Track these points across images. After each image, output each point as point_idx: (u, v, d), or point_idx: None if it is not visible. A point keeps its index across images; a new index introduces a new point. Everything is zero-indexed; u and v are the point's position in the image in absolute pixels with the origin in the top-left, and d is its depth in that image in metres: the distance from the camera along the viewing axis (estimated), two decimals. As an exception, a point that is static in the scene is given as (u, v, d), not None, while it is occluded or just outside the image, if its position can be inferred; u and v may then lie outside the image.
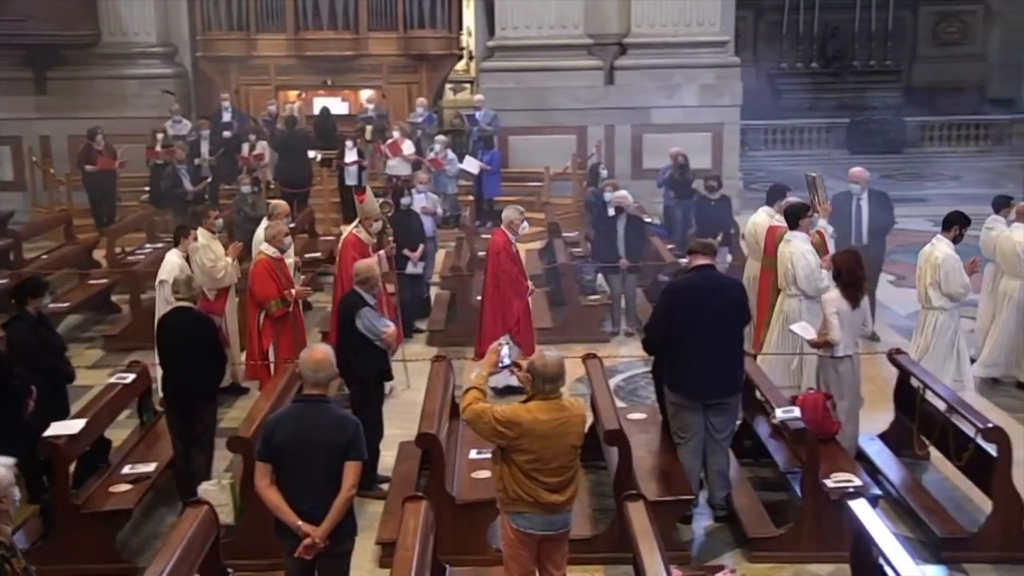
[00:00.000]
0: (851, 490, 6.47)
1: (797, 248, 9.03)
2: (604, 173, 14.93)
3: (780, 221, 9.78)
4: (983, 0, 27.62)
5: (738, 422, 7.68)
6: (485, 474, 6.74)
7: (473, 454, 7.38)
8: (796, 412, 7.15)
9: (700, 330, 6.94)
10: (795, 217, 9.21)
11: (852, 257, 8.08)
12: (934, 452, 7.89)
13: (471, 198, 16.68)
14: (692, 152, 15.24)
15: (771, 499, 7.44)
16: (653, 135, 17.92)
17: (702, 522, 7.26)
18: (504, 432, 5.33)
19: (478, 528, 6.70)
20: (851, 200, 11.14)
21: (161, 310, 9.36)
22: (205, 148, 16.25)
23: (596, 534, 6.82)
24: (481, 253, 13.68)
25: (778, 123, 24.79)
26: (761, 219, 10.39)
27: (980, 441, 6.94)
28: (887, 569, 5.26)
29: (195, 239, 9.67)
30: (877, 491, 6.91)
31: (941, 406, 7.52)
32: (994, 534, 6.68)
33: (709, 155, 17.89)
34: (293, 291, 9.28)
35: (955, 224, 8.92)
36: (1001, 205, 10.29)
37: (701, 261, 7.15)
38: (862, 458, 7.74)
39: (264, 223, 10.32)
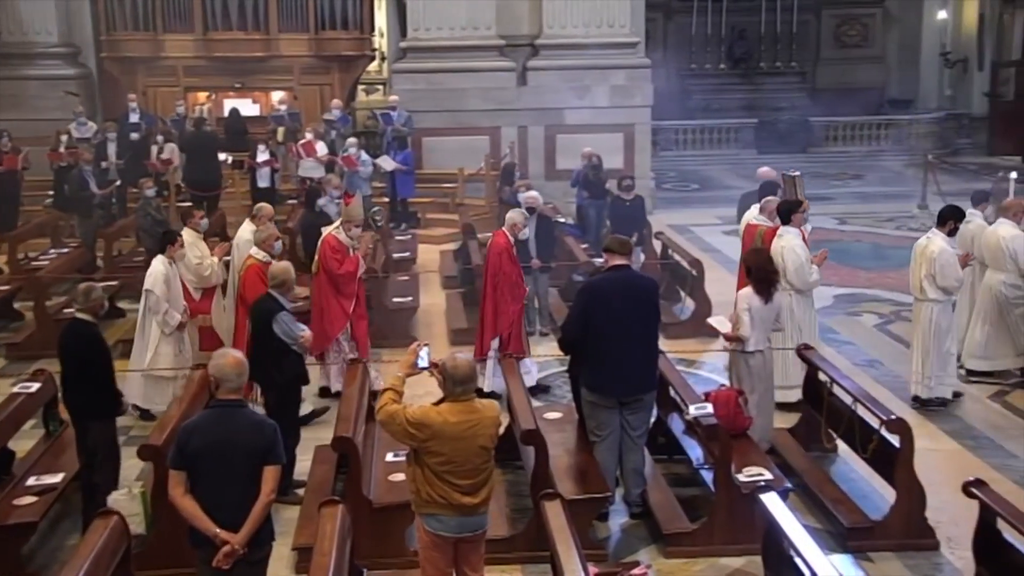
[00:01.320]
0: (762, 484, 6.58)
1: (788, 243, 9.14)
2: (517, 175, 15.00)
3: (760, 219, 10.00)
4: (882, 4, 28.41)
5: (652, 419, 7.78)
6: (402, 476, 6.68)
7: (390, 457, 7.35)
8: (709, 408, 7.25)
9: (616, 329, 7.00)
10: (788, 213, 9.36)
11: (762, 254, 8.27)
12: (841, 445, 8.09)
13: (386, 199, 16.60)
14: (604, 152, 15.40)
15: (685, 494, 7.54)
16: (566, 136, 18.06)
17: (618, 519, 7.32)
18: (415, 434, 5.33)
19: (395, 531, 6.68)
20: (760, 199, 11.34)
21: (145, 321, 9.23)
22: (112, 150, 15.89)
23: (514, 534, 6.85)
24: (397, 255, 13.68)
25: (688, 123, 25.20)
26: (753, 216, 10.45)
27: (884, 433, 7.14)
28: (797, 560, 5.38)
29: (181, 245, 9.41)
30: (787, 484, 7.03)
31: (847, 400, 7.71)
32: (897, 522, 6.86)
33: (621, 155, 18.09)
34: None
35: (950, 219, 9.19)
36: (979, 200, 10.58)
37: (618, 261, 7.22)
38: (773, 451, 7.91)
39: (248, 224, 10.19)
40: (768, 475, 6.85)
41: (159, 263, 9.26)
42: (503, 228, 9.83)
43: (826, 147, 24.83)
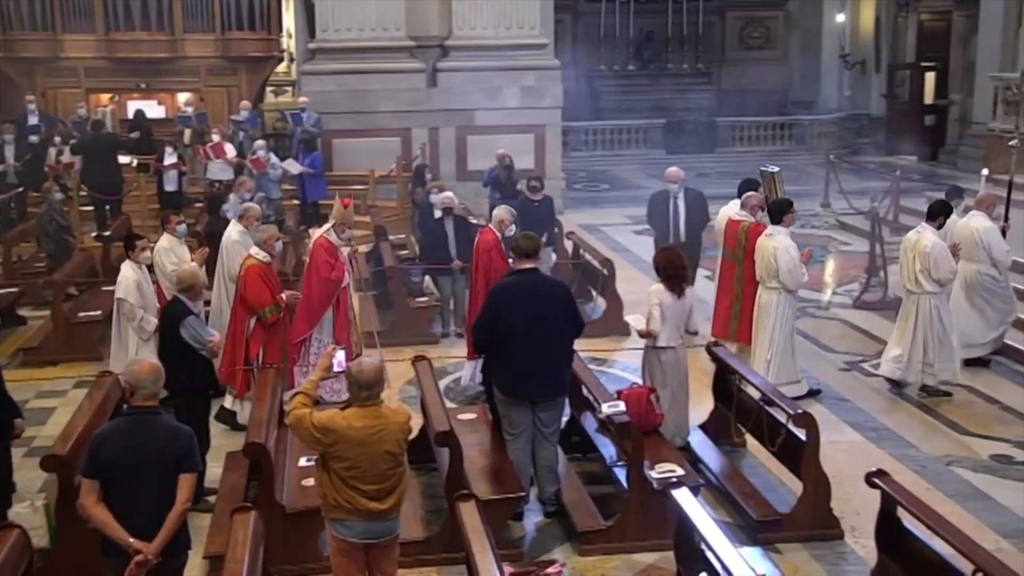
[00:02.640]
0: (674, 480, 6.70)
1: (781, 243, 9.27)
2: (429, 176, 14.97)
3: (741, 215, 10.11)
4: (784, 7, 29.01)
5: (565, 418, 7.83)
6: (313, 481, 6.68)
7: (303, 461, 7.28)
8: (621, 406, 7.34)
9: (524, 331, 7.03)
10: (779, 213, 9.50)
11: (670, 251, 8.40)
12: (750, 439, 8.25)
13: (295, 202, 16.43)
14: (515, 153, 15.44)
15: (599, 492, 7.61)
16: (477, 137, 18.07)
17: (533, 518, 7.37)
18: (320, 438, 5.30)
19: (309, 536, 6.62)
20: (668, 199, 11.54)
21: (120, 329, 9.04)
22: (10, 153, 15.44)
23: (428, 536, 6.84)
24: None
25: (598, 124, 25.42)
26: (731, 211, 10.56)
27: (791, 427, 7.31)
28: (708, 554, 5.48)
29: (143, 249, 9.19)
30: (698, 480, 7.16)
31: (756, 395, 7.87)
32: (804, 514, 7.03)
33: (532, 156, 18.17)
34: (283, 296, 9.11)
35: (939, 214, 9.48)
36: (953, 196, 10.97)
37: (525, 264, 7.24)
38: (685, 448, 8.03)
39: (235, 226, 9.99)
40: (680, 471, 6.96)
41: (128, 269, 9.07)
42: (490, 225, 9.92)
43: (733, 147, 25.26)
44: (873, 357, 10.66)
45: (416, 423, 6.54)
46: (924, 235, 9.41)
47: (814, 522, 7.03)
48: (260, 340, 8.97)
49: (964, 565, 5.26)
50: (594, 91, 27.27)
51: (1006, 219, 11.02)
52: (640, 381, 8.33)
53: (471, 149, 18.16)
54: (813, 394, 9.54)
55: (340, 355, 5.66)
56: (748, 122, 25.61)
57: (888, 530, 6.11)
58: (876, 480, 6.11)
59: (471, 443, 7.52)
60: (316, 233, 9.72)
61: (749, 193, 10.38)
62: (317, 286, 9.42)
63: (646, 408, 7.52)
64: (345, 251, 9.66)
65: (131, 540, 5.04)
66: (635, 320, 8.36)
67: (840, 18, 27.96)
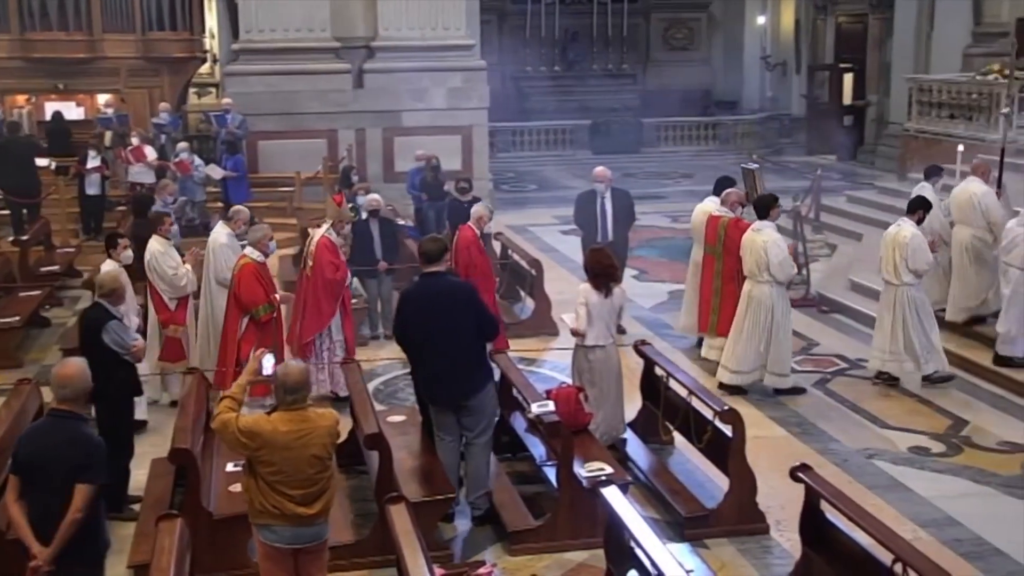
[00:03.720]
0: (603, 478, 6.75)
1: (770, 237, 9.49)
2: (355, 178, 14.90)
3: (721, 211, 10.29)
4: (707, 8, 29.39)
5: (492, 422, 7.75)
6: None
7: (230, 467, 7.19)
8: (550, 406, 7.38)
9: (431, 336, 7.04)
10: (766, 208, 9.70)
11: (599, 251, 8.48)
12: (678, 436, 8.35)
13: (220, 204, 16.23)
14: (442, 154, 15.47)
15: (529, 492, 7.64)
16: (404, 138, 18.02)
17: (464, 519, 7.38)
18: (246, 443, 5.25)
19: (237, 543, 6.54)
20: (595, 198, 11.63)
21: None
22: (-77, 156, 15.02)
23: (358, 539, 6.81)
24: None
25: (525, 125, 25.51)
26: (710, 208, 10.68)
27: (717, 423, 7.42)
28: (637, 551, 5.54)
29: (124, 247, 9.01)
30: (627, 478, 7.23)
31: (683, 393, 7.97)
32: (731, 509, 7.14)
33: (459, 157, 18.18)
34: (277, 296, 9.08)
35: (919, 209, 9.77)
36: (931, 173, 11.51)
37: (430, 268, 7.19)
38: (614, 446, 8.10)
39: (222, 227, 9.90)
40: (609, 469, 7.01)
41: (110, 266, 8.82)
42: (468, 222, 9.91)
43: (658, 147, 25.53)
44: (796, 353, 10.87)
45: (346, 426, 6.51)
46: (904, 227, 9.67)
47: (740, 517, 7.14)
48: (253, 340, 8.97)
49: (884, 555, 5.39)
50: (521, 92, 27.35)
51: (999, 185, 11.35)
52: (569, 380, 8.38)
53: (398, 150, 18.10)
54: (798, 391, 9.67)
55: (269, 359, 5.62)
56: (673, 122, 25.89)
57: (812, 523, 6.23)
58: (800, 474, 6.22)
59: (400, 445, 7.49)
60: (316, 234, 9.71)
61: (729, 190, 10.61)
62: (323, 286, 9.41)
63: (575, 407, 7.56)
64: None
65: (32, 543, 4.98)
66: (569, 319, 8.42)
67: (761, 20, 28.46)
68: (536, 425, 7.63)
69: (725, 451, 7.28)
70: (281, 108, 17.67)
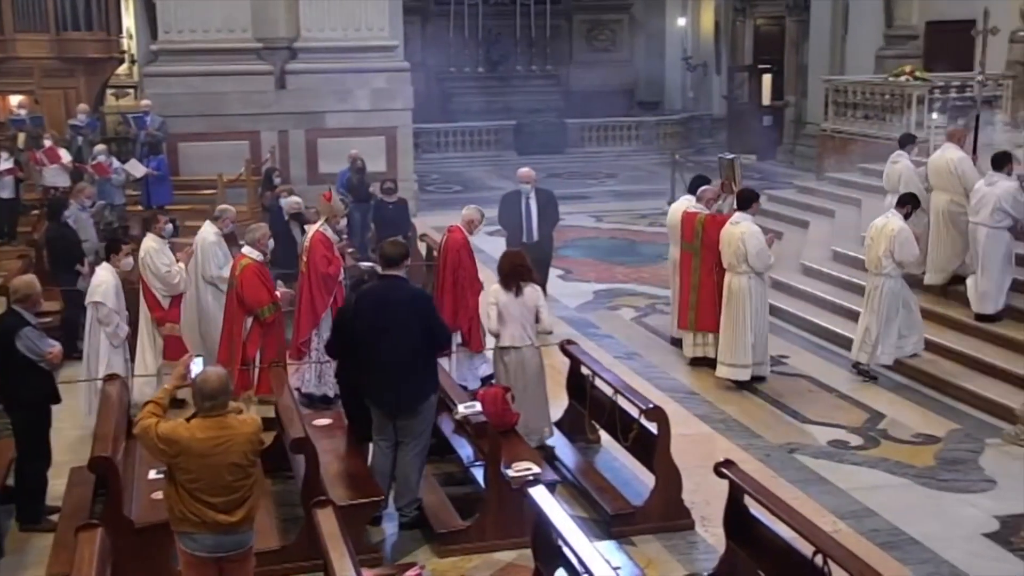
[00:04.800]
0: (531, 478, 6.78)
1: (748, 228, 9.70)
2: (278, 180, 14.75)
3: (697, 207, 10.49)
4: (628, 10, 29.66)
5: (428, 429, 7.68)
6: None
7: (152, 474, 7.05)
8: (477, 407, 7.40)
9: (382, 340, 7.00)
10: (747, 201, 9.94)
11: (512, 252, 8.55)
12: (604, 435, 8.43)
13: (139, 208, 15.93)
14: (367, 156, 15.37)
15: (458, 493, 7.66)
16: (328, 139, 17.87)
17: (393, 522, 7.35)
18: (164, 449, 5.18)
19: (160, 551, 6.42)
20: (520, 199, 11.68)
21: (93, 333, 8.70)
22: None
23: (285, 544, 6.74)
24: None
25: (449, 126, 25.50)
26: (684, 207, 10.82)
27: (643, 421, 7.50)
28: (565, 549, 5.59)
29: (126, 255, 8.93)
30: (554, 477, 7.26)
31: (609, 391, 8.04)
32: (657, 506, 7.23)
33: (384, 158, 18.09)
34: (279, 293, 9.05)
35: (908, 203, 10.02)
36: (906, 142, 12.11)
37: (389, 271, 7.19)
38: (542, 446, 8.14)
39: (209, 226, 9.85)
40: (536, 469, 7.03)
41: (106, 273, 8.77)
42: (459, 224, 9.96)
43: (582, 147, 25.68)
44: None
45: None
46: (892, 220, 9.91)
47: (666, 513, 7.23)
48: (258, 340, 9.01)
49: (806, 547, 5.50)
50: (445, 93, 27.32)
51: (974, 152, 11.75)
52: (496, 381, 8.40)
53: (322, 152, 17.94)
54: (757, 380, 9.99)
55: (197, 362, 5.56)
56: (596, 123, 26.09)
57: (736, 518, 6.32)
58: (724, 470, 6.32)
59: (327, 448, 7.45)
60: (311, 230, 9.74)
61: (704, 187, 10.80)
62: (316, 280, 9.37)
63: (502, 407, 7.56)
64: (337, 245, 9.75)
65: None
66: (486, 320, 8.45)
67: (682, 22, 28.81)
68: (463, 426, 7.63)
69: (651, 449, 7.36)
70: (202, 110, 17.39)
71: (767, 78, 24.37)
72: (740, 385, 9.89)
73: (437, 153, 24.69)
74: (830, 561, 5.24)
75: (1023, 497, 7.67)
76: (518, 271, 8.05)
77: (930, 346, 10.22)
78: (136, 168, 15.41)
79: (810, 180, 17.77)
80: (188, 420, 5.28)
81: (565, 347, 8.79)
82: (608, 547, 6.64)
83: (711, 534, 7.03)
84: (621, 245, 16.43)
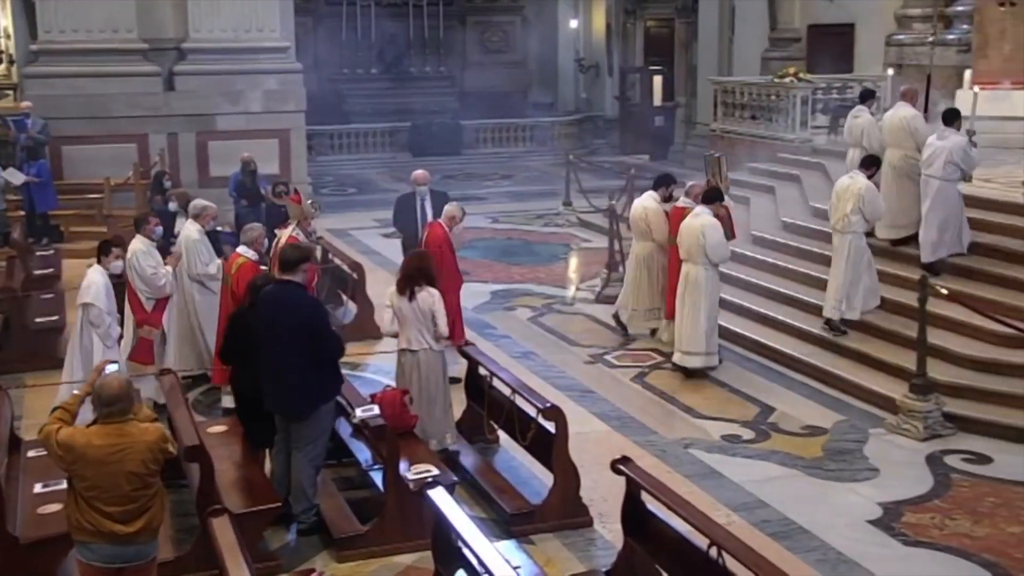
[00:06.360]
0: (430, 480, 6.79)
1: (707, 220, 10.00)
2: (168, 183, 14.44)
3: (686, 202, 10.71)
4: (521, 12, 29.83)
5: (325, 437, 7.51)
6: (54, 508, 6.35)
7: (39, 488, 6.88)
8: (375, 410, 7.38)
9: (269, 345, 6.98)
10: (711, 200, 10.25)
11: (413, 254, 8.54)
12: (503, 435, 8.48)
13: (22, 213, 15.43)
14: (260, 158, 15.17)
15: (356, 497, 7.62)
16: (219, 142, 17.60)
17: (292, 528, 7.28)
18: (62, 456, 5.08)
19: (48, 566, 6.26)
20: (415, 201, 11.66)
21: (84, 335, 8.57)
22: None
23: (180, 555, 6.62)
24: (38, 272, 12.76)
25: (343, 128, 25.30)
26: (649, 203, 11.19)
27: (541, 420, 7.57)
28: (465, 550, 5.61)
29: (116, 257, 8.81)
30: (453, 478, 7.28)
31: (506, 391, 8.09)
32: (555, 505, 7.29)
33: (277, 161, 17.88)
34: None
35: (872, 166, 10.52)
36: (867, 96, 12.64)
37: (284, 275, 7.13)
38: (444, 449, 8.13)
39: (192, 224, 9.80)
40: (435, 471, 7.05)
41: (97, 274, 8.65)
42: (439, 220, 9.95)
43: (477, 149, 25.74)
44: (615, 348, 11.22)
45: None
46: (857, 180, 10.26)
47: (565, 511, 7.30)
48: None
49: (701, 540, 5.62)
50: (339, 94, 27.07)
51: (925, 110, 12.24)
52: (394, 383, 8.38)
53: (213, 155, 17.64)
54: (709, 369, 10.35)
55: (111, 369, 5.46)
56: (491, 124, 26.17)
57: (633, 514, 6.42)
58: (620, 467, 6.41)
59: (222, 456, 7.33)
60: (283, 234, 9.68)
61: (692, 183, 11.26)
62: None
63: (400, 410, 7.54)
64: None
65: None
66: (387, 322, 8.42)
67: (574, 23, 29.13)
68: (361, 429, 7.60)
69: (549, 448, 7.43)
70: (87, 111, 16.93)
71: (658, 79, 24.74)
72: (688, 374, 10.23)
73: (331, 155, 24.49)
74: (724, 553, 5.36)
75: (904, 484, 7.97)
76: (414, 275, 8.03)
77: (817, 340, 10.55)
78: (15, 176, 14.96)
79: (700, 179, 18.06)
80: (89, 426, 5.17)
81: (462, 348, 8.82)
82: (508, 547, 6.70)
83: (609, 530, 7.13)
84: (517, 246, 16.52)
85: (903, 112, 11.43)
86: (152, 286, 9.29)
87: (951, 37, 17.26)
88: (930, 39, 16.77)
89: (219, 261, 9.73)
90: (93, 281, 8.76)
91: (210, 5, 17.74)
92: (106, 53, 17.17)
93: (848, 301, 10.31)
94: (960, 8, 17.41)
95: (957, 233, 10.62)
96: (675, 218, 10.74)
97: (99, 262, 8.91)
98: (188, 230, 10.00)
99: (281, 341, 6.95)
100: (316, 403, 7.11)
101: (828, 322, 10.53)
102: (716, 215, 10.13)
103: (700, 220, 10.07)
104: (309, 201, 11.00)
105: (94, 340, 8.75)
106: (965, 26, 16.80)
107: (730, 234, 10.46)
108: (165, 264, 9.43)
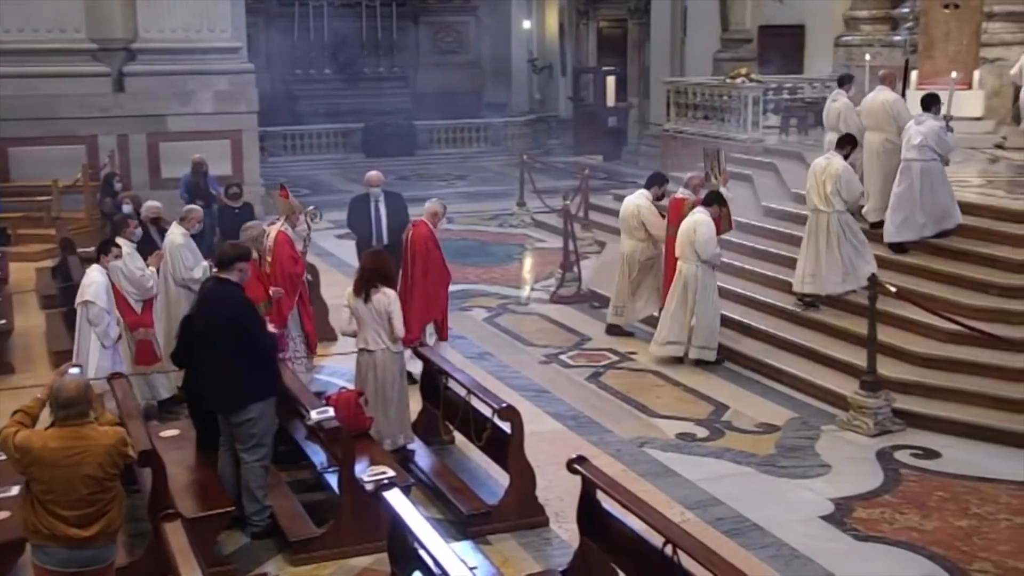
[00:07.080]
0: (385, 481, 6.77)
1: (702, 219, 10.26)
2: (119, 185, 14.29)
3: (685, 194, 10.97)
4: (474, 13, 29.84)
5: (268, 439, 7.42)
6: (4, 515, 6.26)
7: (-9, 493, 6.79)
8: (330, 412, 7.34)
9: (204, 344, 7.00)
10: (710, 203, 10.46)
11: (367, 254, 8.53)
12: (459, 436, 8.47)
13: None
14: (212, 159, 15.07)
15: (312, 500, 7.58)
16: (170, 143, 17.44)
17: (246, 532, 7.23)
18: (19, 459, 5.03)
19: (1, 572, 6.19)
20: (369, 202, 11.62)
21: (84, 333, 8.52)
22: None
23: (132, 561, 6.54)
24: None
25: (296, 129, 25.17)
26: (641, 201, 11.31)
27: (496, 421, 7.57)
28: (421, 552, 5.60)
29: (116, 256, 8.77)
30: (409, 479, 7.26)
31: (462, 392, 8.09)
32: (512, 504, 7.31)
33: (229, 162, 17.73)
34: (271, 291, 8.88)
35: (847, 145, 10.66)
36: (845, 81, 12.76)
37: (221, 273, 7.11)
38: (398, 450, 8.12)
39: (176, 227, 9.75)
40: (391, 472, 7.03)
41: (97, 273, 8.62)
42: (422, 217, 9.88)
43: (431, 150, 25.73)
44: (569, 348, 11.26)
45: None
46: (834, 161, 10.41)
47: (521, 511, 7.32)
48: None
49: (656, 538, 5.65)
50: (291, 95, 26.92)
51: (903, 94, 12.43)
52: (349, 385, 8.35)
53: (164, 156, 17.47)
54: (719, 362, 10.50)
55: (73, 372, 5.41)
56: (445, 125, 26.17)
57: (589, 513, 6.43)
58: (576, 466, 6.42)
59: (175, 460, 7.27)
60: (272, 230, 9.55)
61: (690, 174, 11.45)
62: (283, 281, 9.22)
63: (355, 411, 7.54)
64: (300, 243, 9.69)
65: None
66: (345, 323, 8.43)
67: (527, 24, 29.19)
68: (316, 432, 7.55)
69: (505, 448, 7.43)
70: (34, 112, 16.69)
71: (611, 80, 24.88)
72: (699, 363, 10.46)
73: (284, 156, 24.35)
74: (679, 551, 5.40)
75: (855, 480, 8.07)
76: (370, 277, 8.00)
77: (770, 338, 10.67)
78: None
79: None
80: (47, 428, 5.11)
81: (418, 349, 8.81)
82: (464, 547, 6.69)
83: (565, 530, 7.15)
84: (472, 246, 16.53)
85: (883, 96, 11.58)
86: (140, 287, 9.27)
87: (897, 39, 17.49)
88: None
89: (205, 264, 9.59)
90: (93, 280, 8.76)
91: (160, 5, 17.58)
92: (54, 53, 16.96)
93: (822, 279, 10.45)
94: (906, 10, 17.68)
95: (946, 211, 10.75)
96: (673, 209, 10.93)
97: (98, 261, 8.90)
98: (173, 234, 9.90)
99: (215, 339, 6.95)
100: (249, 401, 7.03)
101: (802, 298, 10.74)
102: (712, 216, 10.35)
103: (694, 218, 10.33)
104: (310, 208, 10.91)
105: (92, 339, 8.73)
106: (910, 26, 17.06)
107: (728, 226, 10.75)
108: (148, 265, 9.37)
